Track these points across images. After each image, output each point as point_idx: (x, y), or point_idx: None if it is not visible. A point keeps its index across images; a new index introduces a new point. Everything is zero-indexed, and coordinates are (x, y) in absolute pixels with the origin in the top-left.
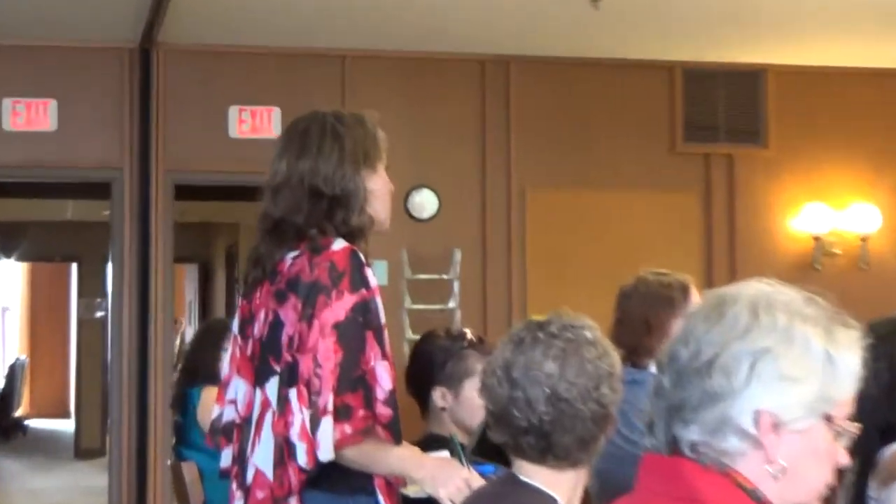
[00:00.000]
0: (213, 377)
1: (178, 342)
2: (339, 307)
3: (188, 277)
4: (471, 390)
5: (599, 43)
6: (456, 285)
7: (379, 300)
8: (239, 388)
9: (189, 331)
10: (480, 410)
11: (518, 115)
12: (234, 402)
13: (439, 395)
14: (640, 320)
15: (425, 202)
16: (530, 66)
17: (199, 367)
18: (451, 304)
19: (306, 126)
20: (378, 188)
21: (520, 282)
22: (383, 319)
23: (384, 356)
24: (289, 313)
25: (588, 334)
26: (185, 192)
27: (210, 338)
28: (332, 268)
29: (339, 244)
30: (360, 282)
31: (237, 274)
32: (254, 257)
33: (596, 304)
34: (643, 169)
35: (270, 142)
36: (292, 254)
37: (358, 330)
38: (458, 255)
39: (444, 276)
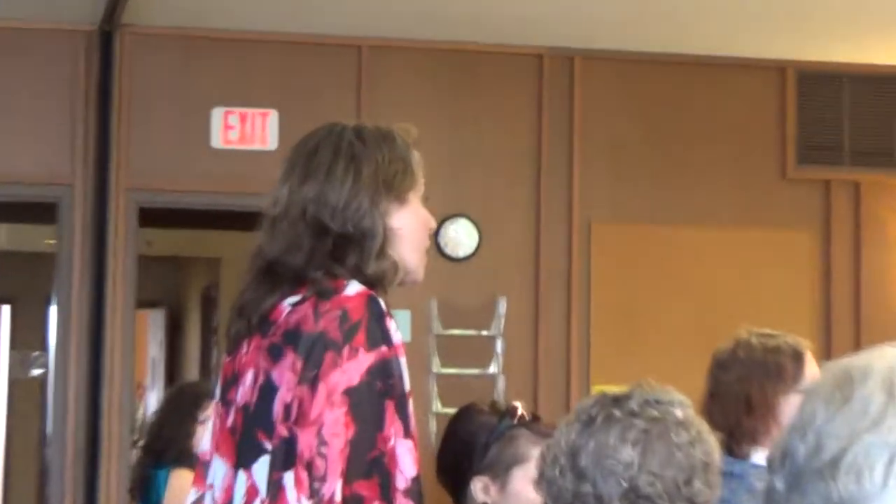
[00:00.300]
0: (184, 457)
1: (140, 411)
2: (352, 368)
3: (153, 327)
4: (521, 481)
5: (688, 35)
6: (499, 344)
7: (403, 361)
8: (217, 469)
9: (153, 396)
10: None
11: (584, 127)
12: (206, 483)
13: (480, 487)
14: (740, 396)
15: (461, 237)
16: (600, 63)
17: (166, 444)
18: (493, 369)
19: (317, 143)
20: (407, 226)
21: (582, 341)
22: (408, 386)
23: (408, 434)
24: (285, 374)
25: (678, 413)
26: (152, 218)
27: (181, 406)
28: (345, 317)
29: (353, 287)
30: (379, 336)
31: (216, 323)
32: (238, 304)
33: (681, 372)
34: (744, 199)
35: (264, 154)
36: (291, 299)
37: (375, 399)
38: (502, 306)
39: (485, 332)
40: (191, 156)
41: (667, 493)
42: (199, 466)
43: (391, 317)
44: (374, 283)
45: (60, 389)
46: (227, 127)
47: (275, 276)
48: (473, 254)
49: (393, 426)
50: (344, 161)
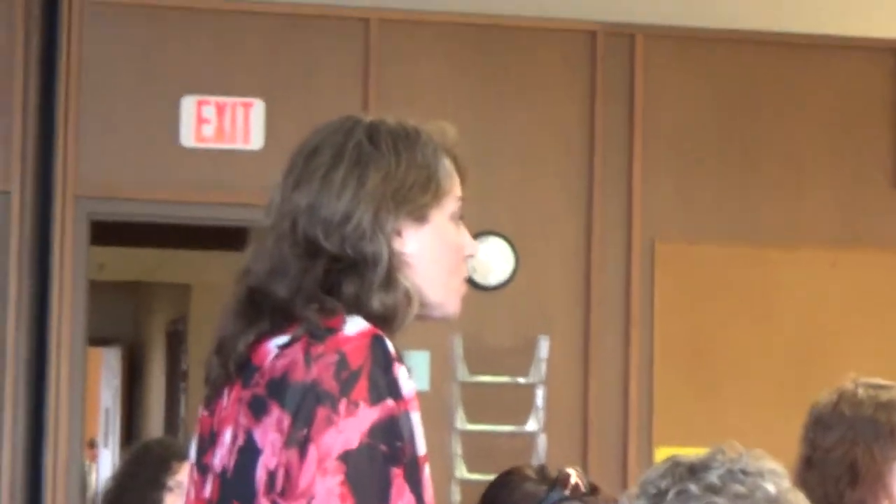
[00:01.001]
0: None
1: (91, 476)
2: (350, 427)
3: (107, 369)
4: None
5: (775, 8)
6: (540, 394)
7: (416, 417)
8: None
9: (106, 457)
10: None
11: (645, 122)
12: None
13: None
14: (844, 462)
15: (493, 260)
16: (665, 42)
17: None
18: (532, 426)
19: (319, 141)
20: (427, 251)
21: (643, 390)
22: (422, 449)
23: None
24: (269, 434)
25: (770, 488)
26: (106, 234)
27: (145, 469)
28: (342, 363)
29: (353, 325)
30: (385, 387)
31: (185, 366)
32: (217, 342)
33: (767, 430)
34: (846, 212)
35: (246, 155)
36: (279, 340)
37: (379, 465)
38: (544, 347)
39: (522, 380)
40: (155, 156)
41: None
42: None
43: (401, 362)
44: (381, 323)
45: None
46: (201, 120)
47: (254, 308)
48: (508, 281)
49: (401, 499)
50: (346, 165)
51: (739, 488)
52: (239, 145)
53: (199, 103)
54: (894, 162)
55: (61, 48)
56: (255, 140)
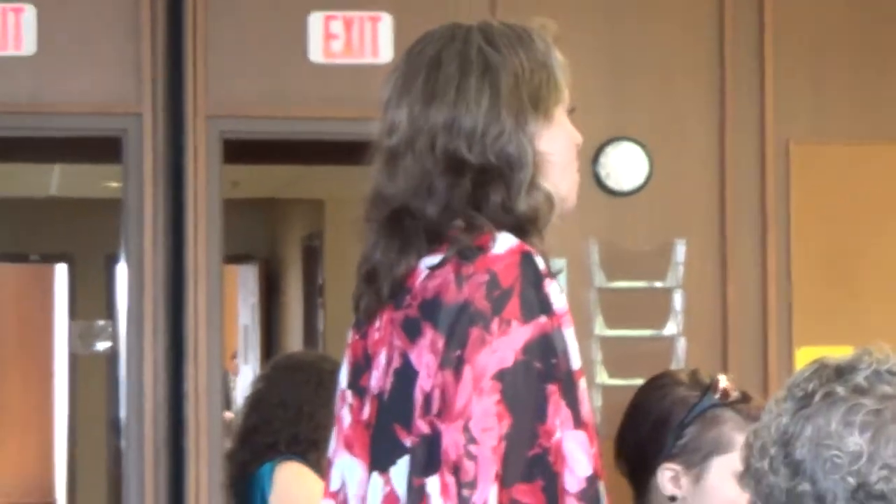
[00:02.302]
0: (296, 447)
1: (233, 387)
2: (504, 346)
3: (244, 286)
4: (722, 474)
5: None
6: (678, 298)
7: (570, 332)
8: (349, 471)
9: (247, 374)
10: None
11: (779, 21)
12: (338, 493)
13: (669, 477)
14: None
15: (626, 165)
16: None
17: (278, 429)
18: (671, 330)
19: (437, 51)
20: (557, 148)
21: (781, 291)
22: (577, 363)
23: (578, 423)
24: (424, 356)
25: None
26: (239, 152)
27: (300, 383)
28: (493, 282)
29: (502, 243)
30: (537, 304)
31: (322, 280)
32: (366, 268)
33: None
34: None
35: (376, 69)
36: (429, 261)
37: (535, 382)
38: (681, 250)
39: (659, 284)
40: (284, 73)
41: None
42: (327, 470)
43: (553, 277)
44: (525, 227)
45: (134, 366)
46: (329, 36)
47: (405, 230)
48: (642, 186)
49: (558, 415)
50: (477, 74)
51: (887, 388)
52: (368, 59)
53: (327, 19)
54: None
55: None
56: (384, 53)
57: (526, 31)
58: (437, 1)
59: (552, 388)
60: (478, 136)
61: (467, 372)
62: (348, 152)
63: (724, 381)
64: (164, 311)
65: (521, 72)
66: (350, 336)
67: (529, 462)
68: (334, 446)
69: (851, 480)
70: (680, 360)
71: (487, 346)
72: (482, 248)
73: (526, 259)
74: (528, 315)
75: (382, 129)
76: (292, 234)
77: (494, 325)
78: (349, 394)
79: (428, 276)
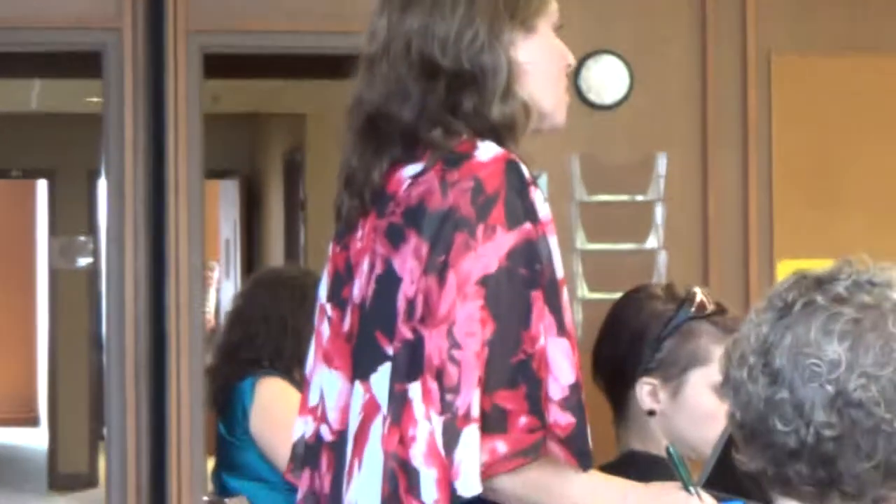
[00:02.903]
0: (282, 360)
1: (211, 300)
2: (488, 252)
3: (225, 201)
4: (699, 387)
5: None
6: (659, 211)
7: (553, 241)
8: (329, 384)
9: (228, 287)
10: (712, 420)
11: None
12: (317, 409)
13: (648, 391)
14: None
15: (608, 78)
16: None
17: (261, 344)
18: (652, 243)
19: None
20: (538, 59)
21: (762, 203)
22: (560, 271)
23: (562, 331)
24: (408, 262)
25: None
26: (219, 66)
27: (282, 298)
28: (478, 188)
29: (487, 151)
30: (522, 211)
31: (303, 195)
32: (345, 174)
33: (889, 241)
34: None
35: None
36: (412, 169)
37: (518, 288)
38: (662, 163)
39: (640, 197)
40: None
41: (884, 398)
42: (305, 387)
43: (536, 185)
44: (503, 133)
45: (114, 282)
46: None
47: (380, 134)
48: (624, 99)
49: (542, 322)
50: None
51: (866, 298)
52: None
53: None
54: None
55: None
56: None
57: None
58: None
59: (536, 295)
60: (451, 42)
61: (451, 277)
62: (330, 66)
63: (699, 294)
64: (144, 227)
65: None
66: (330, 248)
67: (513, 368)
68: (312, 362)
69: (829, 388)
70: (661, 273)
71: (472, 252)
72: (466, 155)
73: (511, 166)
74: (512, 221)
75: (365, 39)
76: (274, 149)
77: (479, 230)
78: (329, 307)
79: (412, 184)
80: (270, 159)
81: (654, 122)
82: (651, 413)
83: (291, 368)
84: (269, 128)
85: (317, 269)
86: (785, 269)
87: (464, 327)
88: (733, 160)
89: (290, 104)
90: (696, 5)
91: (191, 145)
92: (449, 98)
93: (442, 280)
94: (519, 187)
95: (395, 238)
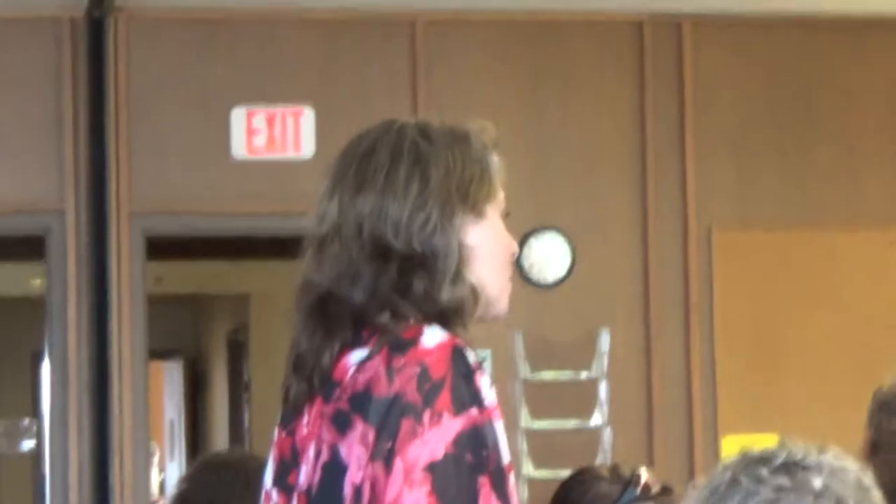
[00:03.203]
0: None
1: (154, 482)
2: (434, 438)
3: (169, 382)
4: None
5: None
6: (603, 388)
7: (499, 426)
8: None
9: (173, 470)
10: None
11: (697, 110)
12: None
13: None
14: None
15: (550, 256)
16: (714, 30)
17: None
18: (597, 420)
19: (372, 143)
20: (487, 244)
21: (706, 379)
22: (506, 457)
23: None
24: (354, 449)
25: (815, 483)
26: (162, 249)
27: (226, 482)
28: (424, 375)
29: (432, 336)
30: (468, 397)
31: (247, 376)
32: (294, 355)
33: (834, 414)
34: None
35: (299, 165)
36: (358, 354)
37: (466, 474)
38: (604, 340)
39: (584, 374)
40: (207, 169)
41: None
42: None
43: (482, 371)
44: (451, 317)
45: (59, 465)
46: (251, 131)
47: (329, 318)
48: (566, 277)
49: None
50: (407, 164)
51: (785, 481)
52: (290, 154)
53: (249, 114)
54: None
55: (110, 67)
56: (306, 148)
57: (464, 131)
58: (358, 94)
59: (483, 481)
60: (403, 224)
61: (398, 464)
62: (272, 247)
63: (644, 475)
64: (88, 409)
65: (452, 165)
66: (276, 434)
67: None
68: None
69: None
70: (606, 450)
71: (419, 438)
72: (412, 341)
73: (457, 352)
74: (459, 407)
75: (314, 221)
76: (218, 330)
77: (426, 416)
78: (274, 492)
79: (358, 369)
80: (214, 340)
81: (596, 298)
82: None
83: None
84: (212, 309)
85: (261, 451)
86: (729, 445)
87: None
88: (676, 335)
89: (233, 285)
90: (638, 184)
91: (134, 326)
92: (400, 280)
93: (388, 467)
94: (465, 373)
95: (341, 424)
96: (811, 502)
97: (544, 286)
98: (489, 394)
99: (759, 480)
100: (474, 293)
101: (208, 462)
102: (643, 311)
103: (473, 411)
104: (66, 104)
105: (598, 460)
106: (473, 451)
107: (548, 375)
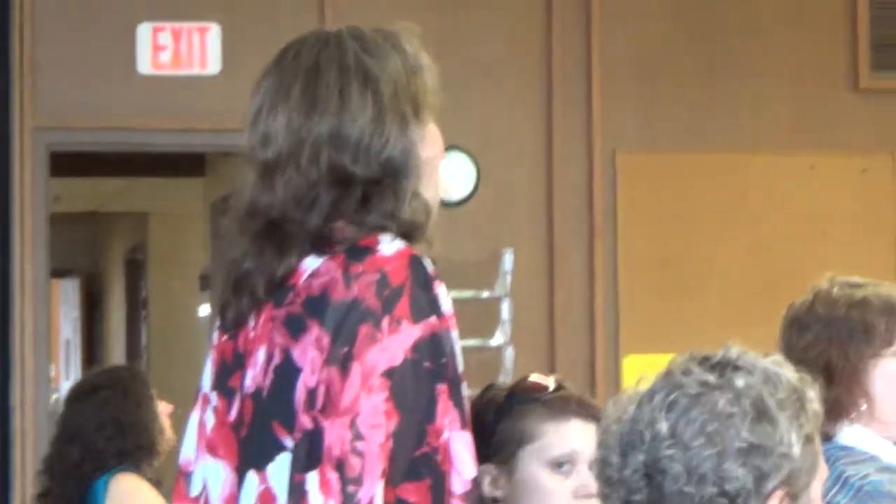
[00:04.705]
0: (127, 457)
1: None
2: (393, 345)
3: (65, 300)
4: (532, 465)
5: None
6: (506, 307)
7: (455, 335)
8: (213, 474)
9: (67, 386)
10: (550, 496)
11: (603, 35)
12: (198, 499)
13: (488, 480)
14: (820, 362)
15: (455, 175)
16: None
17: (102, 449)
18: (498, 339)
19: (314, 58)
20: (433, 153)
21: (608, 299)
22: (461, 366)
23: (465, 425)
24: (308, 352)
25: (738, 382)
26: (65, 164)
27: (129, 393)
28: (383, 281)
29: (389, 245)
30: (427, 305)
31: (145, 293)
32: (235, 276)
33: (736, 333)
34: (807, 116)
35: (204, 81)
36: (312, 260)
37: (424, 381)
38: (508, 260)
39: (487, 294)
40: (113, 85)
41: (687, 471)
42: (178, 477)
43: (440, 280)
44: (413, 232)
45: None
46: (157, 47)
47: (285, 235)
48: (470, 196)
49: (447, 415)
50: (357, 82)
51: (710, 378)
52: (196, 71)
53: (155, 30)
54: (852, 66)
55: None
56: (212, 65)
57: (394, 36)
58: (265, 11)
59: (441, 388)
60: (363, 147)
61: (356, 369)
62: (172, 164)
63: (533, 377)
64: None
65: (399, 78)
66: (216, 337)
67: (417, 461)
68: (194, 451)
69: (640, 457)
70: (508, 369)
71: (377, 344)
72: (369, 249)
73: (415, 260)
74: (418, 315)
75: (254, 139)
76: (115, 248)
77: (385, 323)
78: (214, 395)
79: (312, 274)
80: (112, 258)
81: (500, 218)
82: (495, 501)
83: (140, 461)
84: (110, 227)
85: (159, 368)
86: (631, 365)
87: (368, 419)
88: (579, 256)
89: (131, 203)
90: (544, 105)
91: (37, 244)
92: (362, 205)
93: (345, 371)
94: (423, 281)
95: (294, 328)
96: (731, 399)
97: (448, 205)
98: (446, 302)
99: (688, 374)
100: (426, 208)
101: (80, 389)
102: (547, 232)
103: (432, 319)
104: None
105: (500, 379)
106: (432, 359)
107: (451, 294)
